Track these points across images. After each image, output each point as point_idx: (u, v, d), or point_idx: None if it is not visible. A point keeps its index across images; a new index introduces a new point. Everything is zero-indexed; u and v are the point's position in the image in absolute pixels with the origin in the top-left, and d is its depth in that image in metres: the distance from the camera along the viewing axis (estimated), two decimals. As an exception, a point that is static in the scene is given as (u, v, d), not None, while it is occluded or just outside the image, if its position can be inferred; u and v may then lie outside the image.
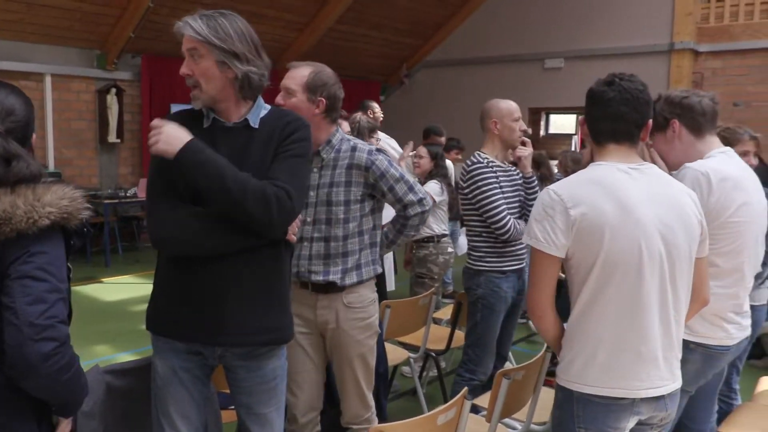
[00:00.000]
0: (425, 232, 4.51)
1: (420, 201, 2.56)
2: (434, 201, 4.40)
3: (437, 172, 4.70)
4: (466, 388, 2.26)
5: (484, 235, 3.16)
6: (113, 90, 8.97)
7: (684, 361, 1.99)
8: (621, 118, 1.88)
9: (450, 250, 4.71)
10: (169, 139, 1.82)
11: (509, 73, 10.79)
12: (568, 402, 1.90)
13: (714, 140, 2.39)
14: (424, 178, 4.66)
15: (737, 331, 2.30)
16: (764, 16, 8.83)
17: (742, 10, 8.99)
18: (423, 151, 4.77)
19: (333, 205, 2.46)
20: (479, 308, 3.17)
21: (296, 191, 1.89)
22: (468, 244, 3.29)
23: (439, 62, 11.96)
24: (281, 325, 2.02)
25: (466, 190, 3.14)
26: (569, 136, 13.87)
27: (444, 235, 4.67)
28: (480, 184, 3.09)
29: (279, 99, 2.46)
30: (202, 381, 2.04)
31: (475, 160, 3.17)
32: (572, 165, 5.71)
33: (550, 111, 11.40)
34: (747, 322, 2.35)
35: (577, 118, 13.04)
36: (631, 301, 1.82)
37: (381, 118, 5.55)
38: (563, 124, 14.34)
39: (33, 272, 1.40)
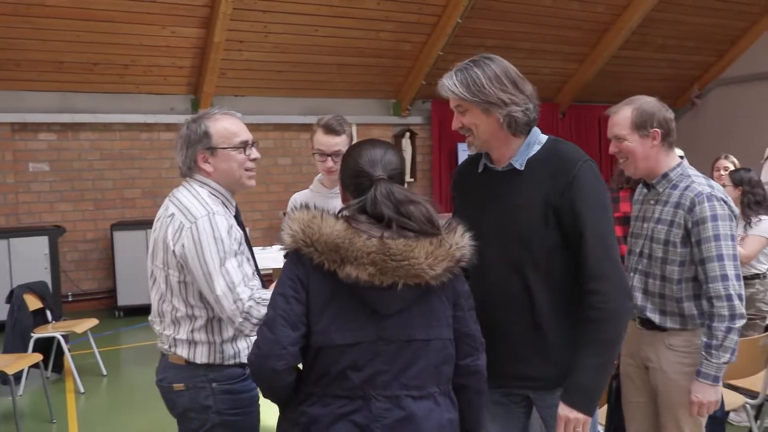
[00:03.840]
0: (751, 270, 4.08)
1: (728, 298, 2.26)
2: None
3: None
4: None
5: None
6: (407, 134, 9.81)
7: None
8: None
9: None
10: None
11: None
12: None
13: None
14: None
15: None
16: None
17: None
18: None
19: (653, 243, 2.43)
20: None
21: (614, 250, 1.93)
22: None
23: (737, 78, 10.86)
24: None
25: None
26: None
27: None
28: None
29: (612, 148, 2.47)
30: None
31: None
32: None
33: None
34: None
35: None
36: None
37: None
38: None
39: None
